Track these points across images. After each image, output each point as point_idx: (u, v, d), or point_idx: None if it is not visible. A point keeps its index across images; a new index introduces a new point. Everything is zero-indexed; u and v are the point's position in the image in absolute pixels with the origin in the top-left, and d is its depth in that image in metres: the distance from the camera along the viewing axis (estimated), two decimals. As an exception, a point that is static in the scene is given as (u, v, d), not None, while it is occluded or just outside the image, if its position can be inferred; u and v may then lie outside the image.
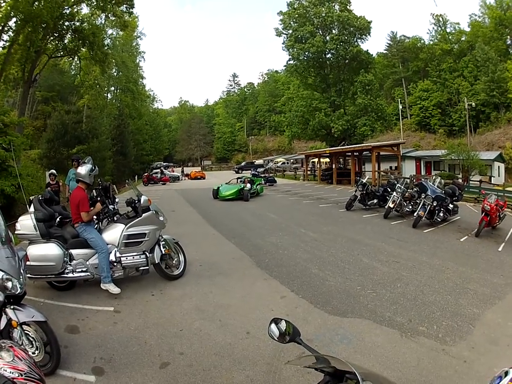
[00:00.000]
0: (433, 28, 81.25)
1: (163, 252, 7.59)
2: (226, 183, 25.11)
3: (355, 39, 48.04)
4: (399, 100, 69.71)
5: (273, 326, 2.47)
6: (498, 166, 50.14)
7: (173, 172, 54.28)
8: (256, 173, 37.16)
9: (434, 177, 17.73)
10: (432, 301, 7.29)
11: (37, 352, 4.53)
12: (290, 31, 48.72)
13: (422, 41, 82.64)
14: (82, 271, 6.79)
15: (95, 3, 34.45)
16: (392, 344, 5.58)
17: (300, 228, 13.71)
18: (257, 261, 9.62)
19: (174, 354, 5.07)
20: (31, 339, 4.54)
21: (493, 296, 7.66)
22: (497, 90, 63.89)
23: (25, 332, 4.50)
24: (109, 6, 34.13)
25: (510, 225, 15.49)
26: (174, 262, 8.03)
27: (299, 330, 2.46)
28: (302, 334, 5.22)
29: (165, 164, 73.39)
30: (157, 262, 7.40)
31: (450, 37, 78.22)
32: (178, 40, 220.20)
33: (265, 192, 28.14)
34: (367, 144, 39.11)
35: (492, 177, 45.37)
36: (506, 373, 2.00)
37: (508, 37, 70.79)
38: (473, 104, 57.20)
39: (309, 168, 49.03)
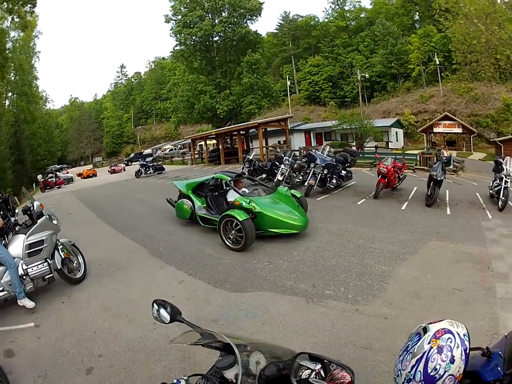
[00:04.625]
0: (330, 6, 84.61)
1: (62, 256, 7.38)
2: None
3: (245, 20, 48.07)
4: (287, 76, 71.68)
5: (155, 308, 2.57)
6: (396, 132, 53.67)
7: (67, 173, 52.18)
8: (145, 163, 36.00)
9: (323, 146, 18.26)
10: (334, 264, 7.52)
11: None
12: (179, 17, 47.71)
13: (316, 19, 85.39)
14: (-1, 292, 6.52)
15: (6, 6, 32.84)
16: (300, 311, 5.71)
17: (191, 212, 13.66)
18: (152, 250, 9.64)
19: (94, 357, 5.06)
20: None
21: (402, 253, 8.08)
22: (395, 62, 68.17)
23: None
24: (16, 7, 32.64)
25: (413, 184, 16.48)
26: (74, 265, 7.85)
27: (179, 309, 2.56)
28: (206, 315, 5.50)
29: (58, 166, 69.69)
30: (59, 267, 7.19)
31: (348, 14, 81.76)
32: (65, 34, 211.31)
33: (154, 180, 28.34)
34: (253, 122, 39.54)
35: (390, 142, 48.82)
36: (424, 329, 2.07)
37: (417, 13, 75.85)
38: (367, 75, 60.08)
39: (196, 152, 48.94)
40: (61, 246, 7.51)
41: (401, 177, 15.87)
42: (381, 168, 14.37)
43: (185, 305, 5.96)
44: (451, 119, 52.70)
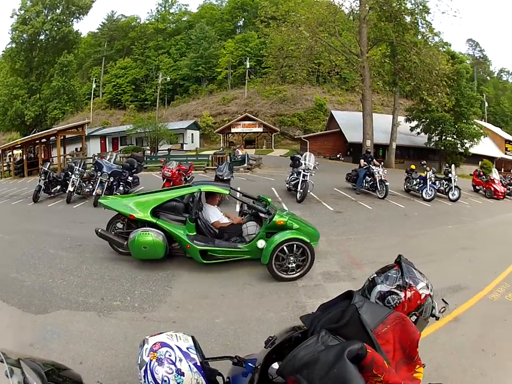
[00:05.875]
0: (156, 8, 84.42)
1: None
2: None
3: (72, 18, 45.76)
4: (94, 79, 71.35)
5: None
6: (192, 134, 55.47)
7: None
8: None
9: (110, 153, 18.31)
10: (119, 274, 7.57)
11: None
12: (22, 12, 43.42)
13: (138, 20, 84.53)
14: None
15: None
16: (94, 326, 5.76)
17: (-6, 234, 12.41)
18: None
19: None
20: None
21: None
22: (203, 66, 69.74)
23: None
24: None
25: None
26: None
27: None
28: (25, 341, 5.46)
29: None
30: None
31: (171, 17, 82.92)
32: None
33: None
34: (52, 129, 37.51)
35: (185, 144, 50.45)
36: (144, 341, 2.13)
37: (243, 19, 78.44)
38: (169, 78, 61.96)
39: (5, 164, 43.43)
40: None
41: (188, 179, 16.64)
42: (165, 172, 14.99)
43: (8, 333, 5.84)
44: (251, 119, 56.07)
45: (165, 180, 14.95)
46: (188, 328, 5.28)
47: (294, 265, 7.35)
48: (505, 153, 51.96)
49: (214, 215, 8.46)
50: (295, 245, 7.28)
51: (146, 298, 6.53)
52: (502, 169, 44.92)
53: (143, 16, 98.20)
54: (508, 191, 23.44)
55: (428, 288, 2.24)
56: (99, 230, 8.53)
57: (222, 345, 4.95)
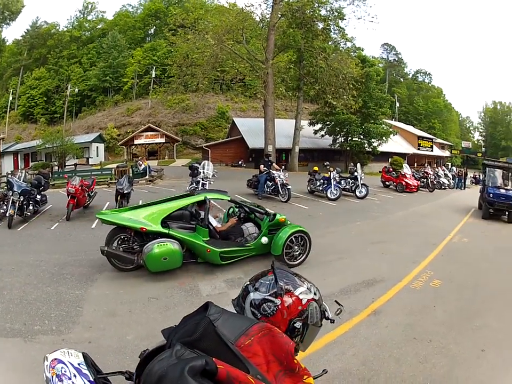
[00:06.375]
0: (75, 15, 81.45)
1: None
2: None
3: (3, 24, 44.17)
4: (11, 90, 67.74)
5: None
6: (97, 147, 54.56)
7: None
8: None
9: (20, 171, 17.57)
10: (35, 297, 7.36)
11: None
12: None
13: (57, 27, 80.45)
14: None
15: None
16: (23, 352, 5.60)
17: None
18: None
19: None
20: None
21: (91, 273, 8.32)
22: (111, 76, 68.51)
23: None
24: None
25: (106, 200, 17.29)
26: None
27: None
28: None
29: None
30: None
31: (87, 25, 79.91)
32: None
33: None
34: None
35: (90, 158, 49.40)
36: (44, 359, 2.02)
37: (154, 26, 76.84)
38: (77, 89, 60.73)
39: None
40: None
41: (91, 194, 16.47)
42: (69, 188, 14.56)
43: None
44: (154, 130, 56.07)
45: (69, 197, 14.52)
46: (103, 347, 5.35)
47: (297, 253, 8.78)
48: (418, 149, 55.58)
49: (212, 220, 9.11)
50: (299, 237, 8.73)
51: (61, 320, 6.50)
52: (415, 163, 48.23)
53: (64, 23, 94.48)
54: (422, 184, 25.46)
55: (311, 292, 2.22)
56: (105, 249, 8.16)
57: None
